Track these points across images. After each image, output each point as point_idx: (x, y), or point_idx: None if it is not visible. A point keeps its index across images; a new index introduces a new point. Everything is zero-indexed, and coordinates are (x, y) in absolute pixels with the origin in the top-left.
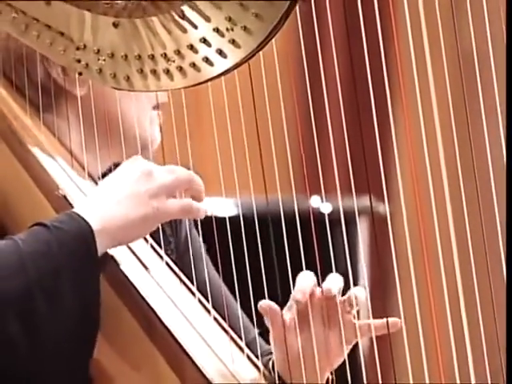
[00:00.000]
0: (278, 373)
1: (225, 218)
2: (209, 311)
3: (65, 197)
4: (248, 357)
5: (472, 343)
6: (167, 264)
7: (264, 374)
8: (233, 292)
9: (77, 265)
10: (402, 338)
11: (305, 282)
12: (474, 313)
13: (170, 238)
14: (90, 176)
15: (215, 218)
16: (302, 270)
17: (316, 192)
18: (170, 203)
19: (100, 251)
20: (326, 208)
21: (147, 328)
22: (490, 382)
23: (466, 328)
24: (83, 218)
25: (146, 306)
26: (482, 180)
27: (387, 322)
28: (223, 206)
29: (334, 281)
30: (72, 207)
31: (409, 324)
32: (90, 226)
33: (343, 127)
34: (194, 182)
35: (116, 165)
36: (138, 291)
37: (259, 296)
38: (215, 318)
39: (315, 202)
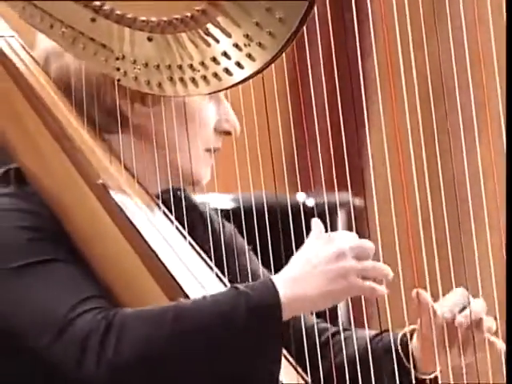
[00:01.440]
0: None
1: (228, 211)
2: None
3: (105, 186)
4: None
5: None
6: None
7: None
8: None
9: (257, 329)
10: (376, 321)
11: (456, 302)
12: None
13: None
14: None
15: (220, 210)
16: (292, 253)
17: (302, 189)
18: (358, 284)
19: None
20: (310, 202)
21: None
22: None
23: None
24: (277, 291)
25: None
26: (445, 177)
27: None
28: (226, 201)
29: (480, 307)
30: (111, 197)
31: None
32: (279, 301)
33: (328, 136)
34: (380, 270)
35: (173, 189)
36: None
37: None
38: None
39: (301, 197)
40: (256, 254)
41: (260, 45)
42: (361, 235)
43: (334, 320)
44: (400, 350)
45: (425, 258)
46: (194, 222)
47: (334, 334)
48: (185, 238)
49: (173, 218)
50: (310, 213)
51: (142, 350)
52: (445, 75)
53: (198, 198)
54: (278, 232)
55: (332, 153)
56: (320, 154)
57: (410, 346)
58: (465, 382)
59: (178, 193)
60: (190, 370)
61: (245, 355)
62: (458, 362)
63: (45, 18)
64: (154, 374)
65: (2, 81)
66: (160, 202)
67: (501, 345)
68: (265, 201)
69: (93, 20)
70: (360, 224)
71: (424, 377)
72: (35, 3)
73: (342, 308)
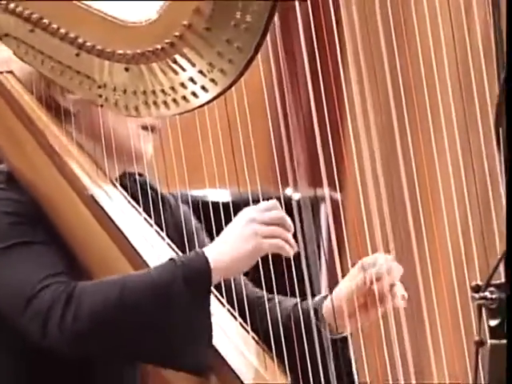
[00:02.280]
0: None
1: (219, 203)
2: None
3: (92, 196)
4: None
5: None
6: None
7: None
8: None
9: (193, 294)
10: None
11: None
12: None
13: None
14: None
15: (212, 203)
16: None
17: (289, 185)
18: (267, 241)
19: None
20: (296, 196)
21: None
22: None
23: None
24: (206, 259)
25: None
26: (408, 175)
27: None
28: (221, 195)
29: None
30: (98, 204)
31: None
32: (209, 266)
33: (314, 142)
34: (285, 223)
35: (128, 173)
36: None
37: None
38: None
39: (288, 191)
40: None
41: (222, 71)
42: (338, 225)
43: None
44: (313, 314)
45: (392, 241)
46: (149, 201)
47: (269, 300)
48: (140, 213)
49: (129, 197)
50: (296, 205)
51: (96, 317)
52: (405, 85)
53: (198, 192)
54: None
55: (312, 153)
56: (306, 154)
57: (322, 310)
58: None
59: (137, 177)
60: (137, 331)
61: (183, 311)
62: (366, 321)
63: (37, 55)
64: (108, 337)
65: None
66: (118, 185)
67: (401, 304)
68: (260, 195)
69: (77, 55)
70: (338, 215)
71: (335, 337)
72: (28, 42)
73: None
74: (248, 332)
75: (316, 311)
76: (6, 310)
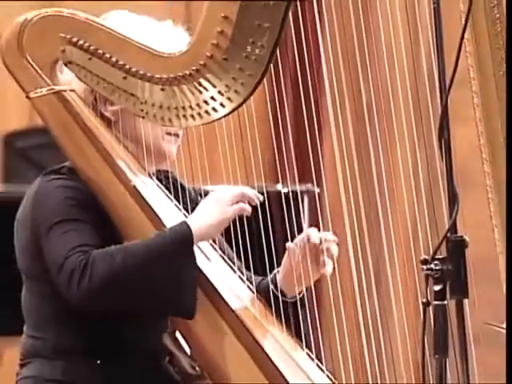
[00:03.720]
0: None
1: None
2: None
3: (134, 186)
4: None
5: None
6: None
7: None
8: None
9: (180, 253)
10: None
11: (311, 232)
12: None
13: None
14: (149, 174)
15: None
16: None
17: (279, 180)
18: (233, 209)
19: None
20: (284, 190)
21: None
22: None
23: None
24: (188, 226)
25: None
26: (368, 176)
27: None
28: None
29: (317, 235)
30: (139, 192)
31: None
32: (191, 233)
33: (298, 148)
34: (246, 196)
35: (161, 170)
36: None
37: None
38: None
39: (279, 186)
40: (252, 223)
41: (236, 91)
42: (313, 213)
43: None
44: (270, 283)
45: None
46: (177, 192)
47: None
48: (171, 200)
49: (162, 187)
50: (285, 197)
51: (105, 278)
52: (368, 103)
53: (214, 187)
54: (267, 208)
55: (297, 156)
56: (292, 155)
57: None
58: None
59: (166, 174)
60: (138, 286)
61: (173, 268)
62: (311, 282)
63: (93, 77)
64: (115, 293)
65: (62, 115)
66: (154, 178)
67: (330, 269)
68: (256, 189)
69: (124, 78)
70: (318, 205)
71: (287, 300)
72: (87, 67)
73: None
74: (253, 292)
75: (275, 283)
76: (50, 269)
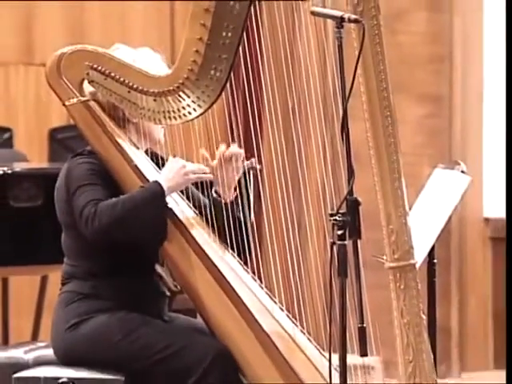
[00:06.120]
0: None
1: None
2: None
3: (136, 166)
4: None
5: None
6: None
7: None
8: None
9: (154, 200)
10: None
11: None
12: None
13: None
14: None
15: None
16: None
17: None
18: (192, 176)
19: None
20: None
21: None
22: None
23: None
24: (159, 183)
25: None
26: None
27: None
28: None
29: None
30: (140, 171)
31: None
32: (162, 187)
33: (247, 135)
34: (202, 169)
35: (148, 151)
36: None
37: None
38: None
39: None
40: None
41: (204, 101)
42: (256, 182)
43: None
44: (214, 193)
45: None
46: (160, 165)
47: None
48: (156, 170)
49: (152, 163)
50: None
51: (109, 221)
52: (293, 106)
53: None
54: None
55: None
56: (242, 141)
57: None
58: None
59: (155, 153)
60: (130, 225)
61: (151, 213)
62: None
63: (108, 91)
64: (116, 231)
65: (87, 117)
66: (147, 156)
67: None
68: None
69: (129, 92)
70: (259, 177)
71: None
72: (103, 84)
73: None
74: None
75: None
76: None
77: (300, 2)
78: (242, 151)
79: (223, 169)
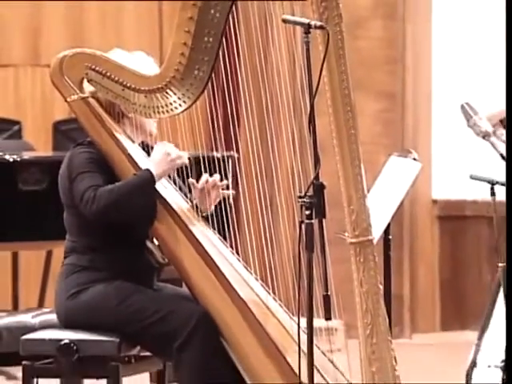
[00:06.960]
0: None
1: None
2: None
3: (130, 155)
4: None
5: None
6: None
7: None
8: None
9: (145, 186)
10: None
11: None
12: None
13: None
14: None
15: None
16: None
17: (213, 149)
18: (175, 162)
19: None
20: (218, 155)
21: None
22: None
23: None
24: (150, 171)
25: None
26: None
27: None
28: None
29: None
30: (130, 155)
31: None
32: (152, 174)
33: (226, 127)
34: (184, 157)
35: (144, 143)
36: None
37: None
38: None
39: (214, 153)
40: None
41: (188, 97)
42: (234, 168)
43: None
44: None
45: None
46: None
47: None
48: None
49: (143, 152)
50: (218, 159)
51: (106, 203)
52: (266, 103)
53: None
54: (207, 166)
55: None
56: (222, 134)
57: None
58: None
59: (147, 144)
60: (125, 207)
61: (143, 197)
62: (210, 203)
63: (104, 89)
64: (112, 212)
65: (87, 112)
66: (140, 148)
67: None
68: (201, 154)
69: (123, 90)
70: (237, 165)
71: (205, 214)
72: (100, 83)
73: None
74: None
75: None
76: (76, 200)
77: (272, 12)
78: (224, 182)
79: (205, 192)
